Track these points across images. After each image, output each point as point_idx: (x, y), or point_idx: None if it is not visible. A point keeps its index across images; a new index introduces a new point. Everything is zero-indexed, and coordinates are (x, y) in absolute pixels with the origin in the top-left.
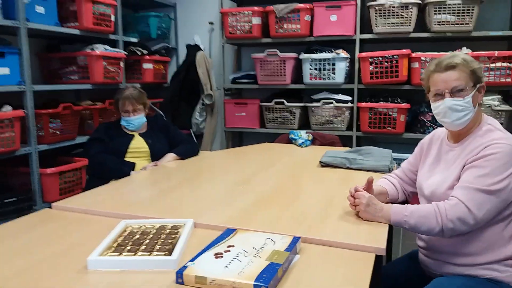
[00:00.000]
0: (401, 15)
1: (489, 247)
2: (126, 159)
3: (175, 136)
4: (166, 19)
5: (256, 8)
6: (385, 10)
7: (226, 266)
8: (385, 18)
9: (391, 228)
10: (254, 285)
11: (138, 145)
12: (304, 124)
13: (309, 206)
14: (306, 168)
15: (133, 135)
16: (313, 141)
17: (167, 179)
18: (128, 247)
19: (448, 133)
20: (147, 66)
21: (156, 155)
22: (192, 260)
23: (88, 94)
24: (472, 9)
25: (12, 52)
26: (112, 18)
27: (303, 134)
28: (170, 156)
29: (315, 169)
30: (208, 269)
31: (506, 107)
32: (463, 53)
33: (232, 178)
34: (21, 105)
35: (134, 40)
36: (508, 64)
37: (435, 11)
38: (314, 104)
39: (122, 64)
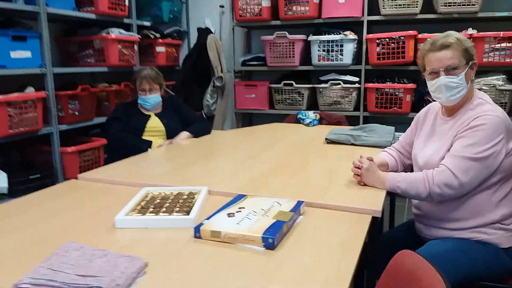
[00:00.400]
0: None
1: (477, 212)
2: (143, 137)
3: (188, 116)
4: (177, 2)
5: None
6: None
7: (238, 223)
8: (392, 0)
9: (393, 200)
10: (262, 237)
11: (155, 124)
12: (312, 105)
13: (314, 176)
14: (312, 145)
15: (149, 115)
16: (320, 121)
17: (182, 155)
18: (151, 209)
19: (442, 107)
20: (160, 49)
21: (171, 134)
22: (208, 218)
23: (103, 76)
24: None
25: (33, 36)
26: (126, 2)
27: (311, 114)
28: (184, 134)
29: (321, 145)
30: (222, 225)
31: (510, 87)
32: (456, 32)
33: (242, 153)
34: (42, 87)
35: (147, 24)
36: None
37: None
38: (322, 85)
39: (136, 47)
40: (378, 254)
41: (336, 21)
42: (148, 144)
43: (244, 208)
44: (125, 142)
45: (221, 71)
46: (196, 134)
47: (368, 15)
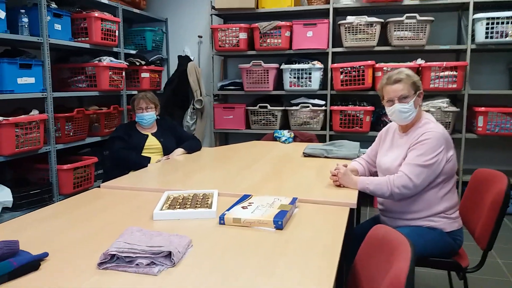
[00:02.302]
0: (367, 31)
1: (427, 206)
2: (142, 154)
3: (181, 134)
4: (159, 32)
5: (242, 24)
6: (354, 28)
7: (252, 212)
8: (353, 34)
9: (359, 205)
10: (273, 220)
11: (152, 143)
12: (285, 125)
13: (300, 181)
14: (292, 158)
15: (147, 135)
16: (294, 139)
17: (182, 167)
18: (178, 206)
19: (399, 126)
20: (145, 75)
21: (167, 151)
22: (227, 210)
23: (90, 100)
24: (425, 27)
25: (37, 64)
26: (116, 33)
27: (286, 133)
28: (179, 150)
29: (299, 158)
30: (240, 214)
31: (453, 109)
32: (406, 69)
33: (235, 165)
34: (41, 109)
35: (133, 52)
36: (455, 73)
37: (395, 28)
38: (293, 107)
39: (123, 73)
40: (352, 242)
41: (305, 52)
42: (148, 160)
43: (253, 203)
44: (127, 159)
45: (200, 95)
46: (190, 150)
47: (333, 47)
